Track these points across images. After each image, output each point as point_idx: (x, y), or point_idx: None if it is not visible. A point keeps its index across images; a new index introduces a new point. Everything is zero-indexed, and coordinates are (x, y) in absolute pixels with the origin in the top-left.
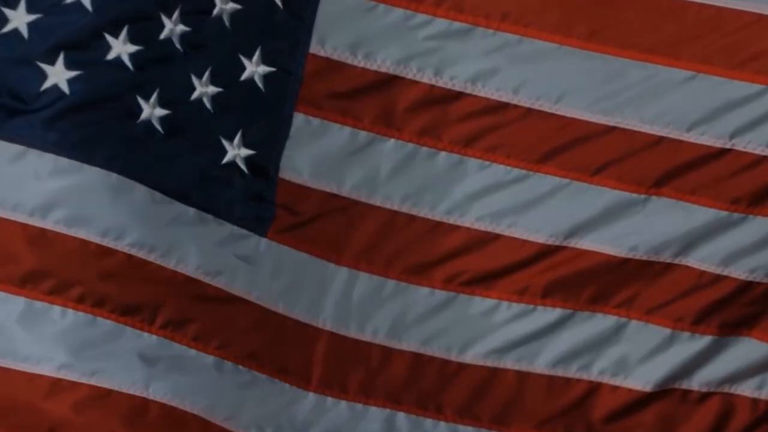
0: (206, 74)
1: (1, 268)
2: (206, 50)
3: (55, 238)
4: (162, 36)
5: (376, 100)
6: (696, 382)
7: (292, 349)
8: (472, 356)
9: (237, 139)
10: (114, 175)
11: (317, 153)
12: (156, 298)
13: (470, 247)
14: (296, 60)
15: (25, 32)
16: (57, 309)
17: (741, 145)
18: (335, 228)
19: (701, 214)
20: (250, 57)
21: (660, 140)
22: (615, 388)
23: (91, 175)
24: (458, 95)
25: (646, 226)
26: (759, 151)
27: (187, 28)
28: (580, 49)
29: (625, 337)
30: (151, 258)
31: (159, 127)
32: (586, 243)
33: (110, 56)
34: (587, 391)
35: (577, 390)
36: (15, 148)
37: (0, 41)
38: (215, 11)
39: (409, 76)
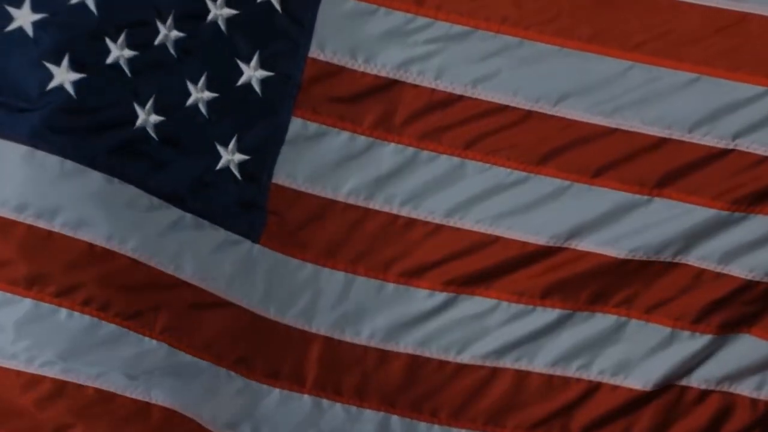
0: (202, 80)
1: (7, 269)
2: (202, 55)
3: (61, 241)
4: (156, 42)
5: (376, 105)
6: (695, 380)
7: (285, 353)
8: (470, 356)
9: (232, 144)
10: (116, 180)
11: (314, 158)
12: (156, 303)
13: (470, 249)
14: (295, 64)
15: (30, 31)
16: (63, 311)
17: (744, 145)
18: (331, 233)
19: (702, 214)
20: (247, 62)
21: (662, 141)
22: (615, 387)
23: (94, 178)
24: (459, 98)
25: (648, 227)
26: (761, 151)
27: (181, 34)
28: (581, 51)
29: (624, 337)
30: (152, 263)
31: (154, 135)
32: (587, 244)
33: (109, 60)
34: (586, 390)
35: (577, 389)
36: (22, 148)
37: (4, 39)
38: (210, 16)
39: (410, 81)
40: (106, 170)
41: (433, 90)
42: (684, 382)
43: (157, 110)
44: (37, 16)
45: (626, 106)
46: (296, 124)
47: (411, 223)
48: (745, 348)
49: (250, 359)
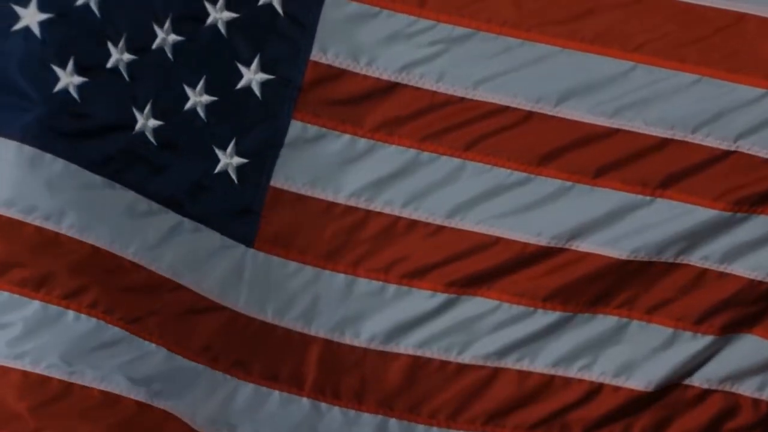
0: (200, 83)
1: (16, 271)
2: (200, 59)
3: (68, 243)
4: (154, 46)
5: (378, 107)
6: (697, 379)
7: (284, 356)
8: (471, 356)
9: (230, 147)
10: (117, 186)
11: (314, 161)
12: (155, 307)
13: (472, 250)
14: (296, 67)
15: (37, 31)
16: (71, 314)
17: (745, 147)
18: (331, 235)
19: (704, 215)
20: (248, 65)
21: (664, 142)
22: (617, 388)
23: (97, 183)
24: (460, 100)
25: (650, 228)
26: (763, 153)
27: (179, 38)
28: (582, 52)
29: (626, 338)
30: (152, 268)
31: (152, 139)
32: (588, 245)
33: (109, 65)
34: (588, 391)
35: (579, 390)
36: (29, 150)
37: (11, 38)
38: (209, 20)
39: (412, 83)
40: (108, 175)
41: (434, 92)
42: (686, 382)
43: (155, 114)
44: (44, 16)
45: (628, 107)
46: (296, 127)
47: (412, 224)
48: (747, 348)
49: (247, 362)
